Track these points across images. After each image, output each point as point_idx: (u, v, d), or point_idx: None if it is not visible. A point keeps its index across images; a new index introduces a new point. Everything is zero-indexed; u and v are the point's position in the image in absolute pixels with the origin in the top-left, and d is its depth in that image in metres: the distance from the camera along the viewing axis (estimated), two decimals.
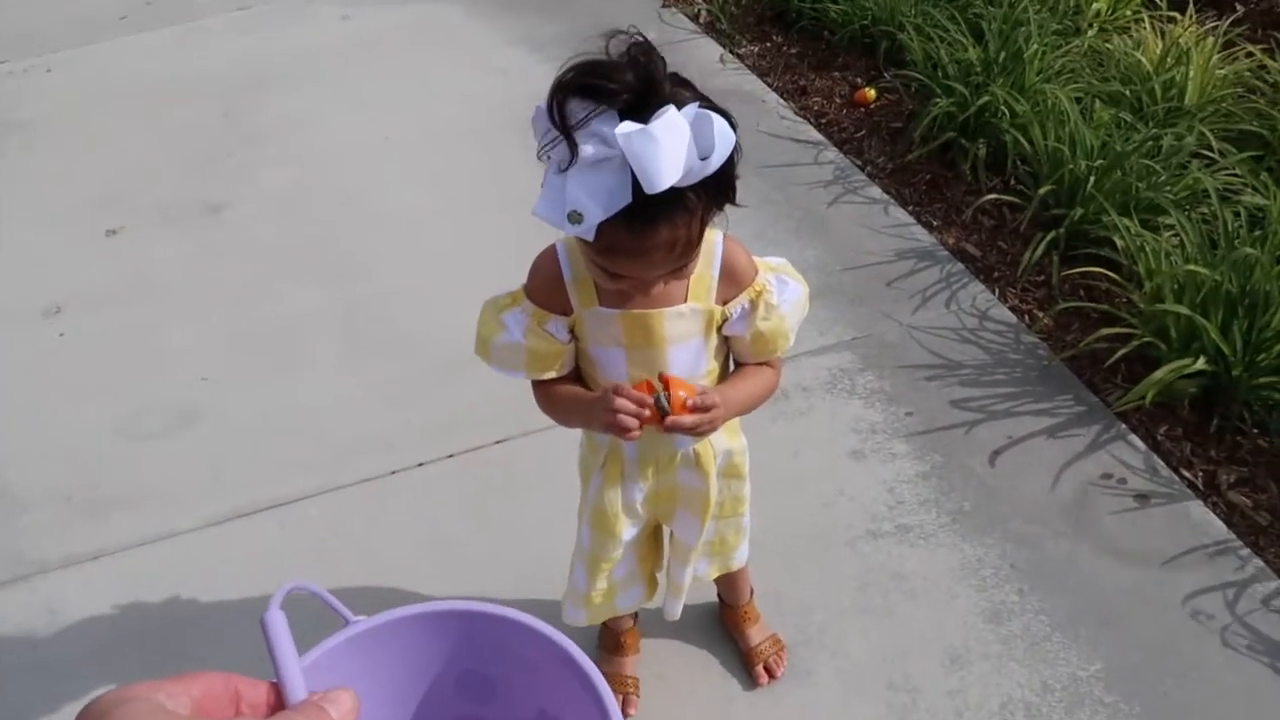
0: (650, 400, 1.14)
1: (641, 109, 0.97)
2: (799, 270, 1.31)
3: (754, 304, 1.25)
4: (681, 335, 1.24)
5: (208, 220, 2.80)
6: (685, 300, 1.23)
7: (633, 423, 1.14)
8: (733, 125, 1.02)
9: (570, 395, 1.28)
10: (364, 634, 0.96)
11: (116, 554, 1.93)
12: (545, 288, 1.25)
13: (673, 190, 0.98)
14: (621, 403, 1.14)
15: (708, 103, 1.02)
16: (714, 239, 1.23)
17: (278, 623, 0.68)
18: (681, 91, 1.02)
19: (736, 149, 1.03)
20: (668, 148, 0.95)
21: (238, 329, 2.45)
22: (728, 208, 1.11)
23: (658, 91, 0.99)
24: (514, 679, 1.03)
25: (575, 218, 0.99)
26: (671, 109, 0.97)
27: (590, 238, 1.02)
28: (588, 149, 0.98)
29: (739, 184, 1.10)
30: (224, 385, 2.31)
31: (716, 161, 0.99)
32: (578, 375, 1.32)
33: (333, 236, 2.73)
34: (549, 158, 1.02)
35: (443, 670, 1.04)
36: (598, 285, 1.22)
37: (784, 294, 1.26)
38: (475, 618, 1.01)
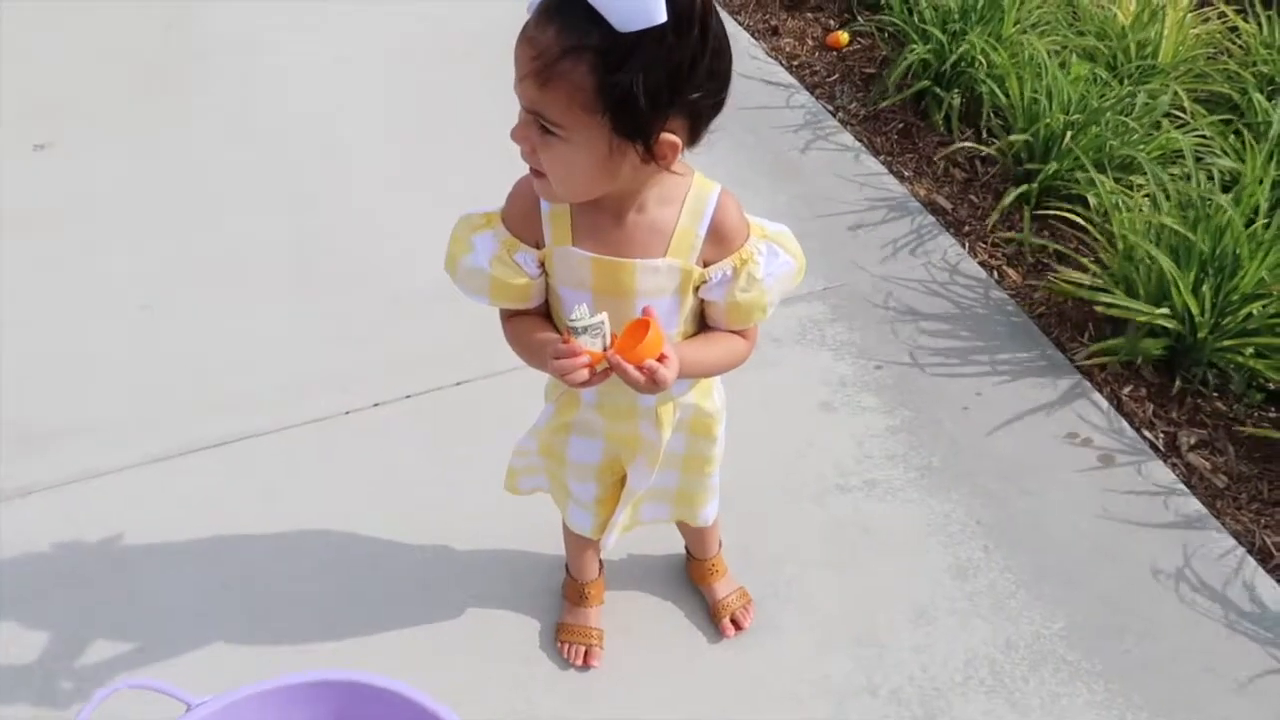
0: (582, 350, 1.07)
1: None
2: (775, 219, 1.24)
3: (736, 272, 1.16)
4: (652, 291, 1.16)
5: (147, 139, 2.64)
6: (664, 255, 1.15)
7: (581, 375, 1.08)
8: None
9: (529, 335, 1.21)
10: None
11: (51, 489, 1.83)
12: (521, 215, 1.17)
13: (596, 23, 0.93)
14: (559, 364, 1.08)
15: None
16: (708, 194, 1.15)
17: None
18: None
19: (649, 83, 0.96)
20: None
21: (180, 256, 2.31)
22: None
23: None
24: None
25: None
26: None
27: (530, 12, 0.99)
28: None
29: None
30: (166, 315, 2.18)
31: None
32: (549, 310, 1.25)
33: (281, 161, 2.59)
34: None
35: None
36: (573, 221, 1.14)
37: (771, 265, 1.17)
38: (327, 687, 0.96)
